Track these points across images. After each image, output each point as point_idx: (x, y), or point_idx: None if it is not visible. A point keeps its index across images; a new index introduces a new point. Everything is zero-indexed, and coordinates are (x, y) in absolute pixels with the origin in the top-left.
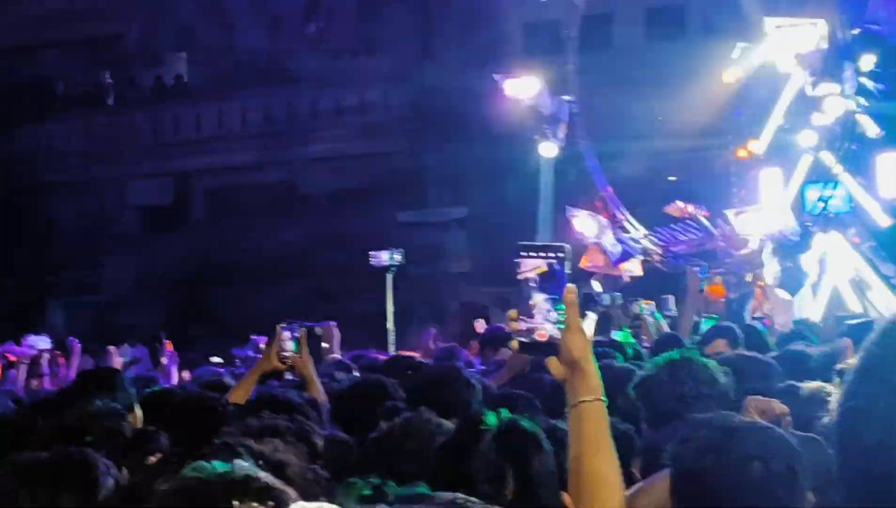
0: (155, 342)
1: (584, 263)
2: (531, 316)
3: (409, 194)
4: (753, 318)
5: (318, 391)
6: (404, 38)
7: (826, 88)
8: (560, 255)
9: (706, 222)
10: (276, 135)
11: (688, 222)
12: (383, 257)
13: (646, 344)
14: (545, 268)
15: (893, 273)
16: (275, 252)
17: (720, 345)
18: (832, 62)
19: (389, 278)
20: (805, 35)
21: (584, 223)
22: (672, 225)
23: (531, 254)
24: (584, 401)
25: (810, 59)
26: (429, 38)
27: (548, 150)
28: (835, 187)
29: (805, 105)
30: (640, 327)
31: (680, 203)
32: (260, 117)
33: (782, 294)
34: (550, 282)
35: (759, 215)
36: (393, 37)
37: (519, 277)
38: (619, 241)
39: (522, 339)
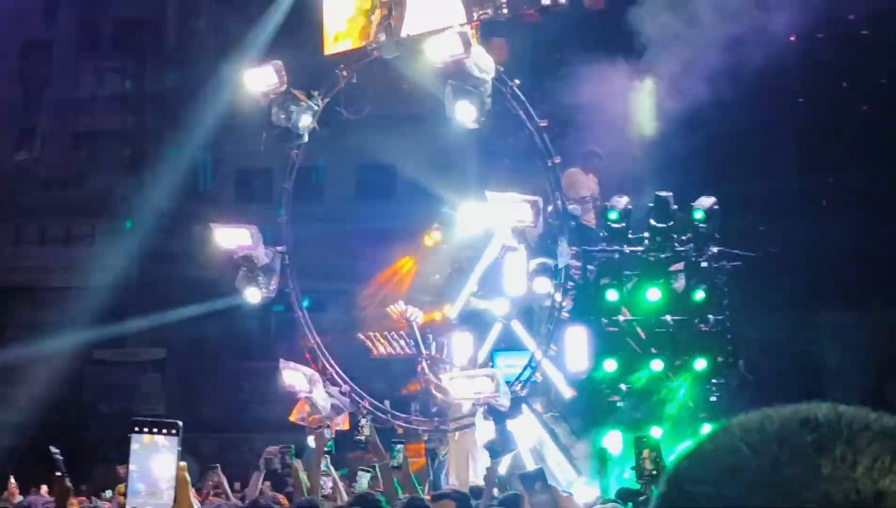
0: None
1: (294, 416)
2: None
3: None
4: None
5: None
6: (115, 170)
7: (536, 263)
8: (173, 431)
9: (418, 336)
10: None
11: (402, 333)
12: None
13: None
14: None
15: (571, 443)
16: None
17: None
18: (546, 238)
19: None
20: (522, 211)
21: (293, 377)
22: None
23: (144, 430)
24: None
25: (527, 233)
26: (140, 172)
27: (252, 295)
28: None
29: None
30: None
31: (401, 304)
32: None
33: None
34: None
35: (469, 381)
36: (104, 168)
37: None
38: (329, 394)
39: None
